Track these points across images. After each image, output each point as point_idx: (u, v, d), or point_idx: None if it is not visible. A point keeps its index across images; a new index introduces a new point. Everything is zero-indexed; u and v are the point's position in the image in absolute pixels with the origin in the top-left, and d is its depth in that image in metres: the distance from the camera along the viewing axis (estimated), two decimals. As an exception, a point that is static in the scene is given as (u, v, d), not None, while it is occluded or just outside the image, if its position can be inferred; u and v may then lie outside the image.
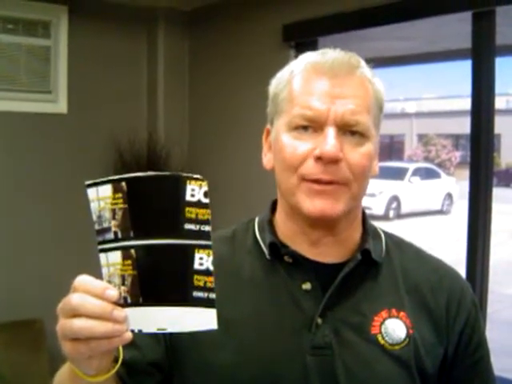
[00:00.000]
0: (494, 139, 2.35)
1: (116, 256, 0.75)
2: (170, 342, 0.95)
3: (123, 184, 0.73)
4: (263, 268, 0.98)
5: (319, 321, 0.93)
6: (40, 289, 3.14)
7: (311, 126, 0.93)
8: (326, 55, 0.96)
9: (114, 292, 0.74)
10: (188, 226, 0.73)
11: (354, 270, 0.97)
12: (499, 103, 2.34)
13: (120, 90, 3.46)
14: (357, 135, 0.93)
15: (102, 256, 0.76)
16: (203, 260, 0.73)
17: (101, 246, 0.76)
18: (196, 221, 0.72)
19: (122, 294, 0.74)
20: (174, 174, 0.73)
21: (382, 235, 1.05)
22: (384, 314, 0.96)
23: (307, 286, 0.95)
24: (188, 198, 0.72)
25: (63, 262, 3.24)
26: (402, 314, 0.97)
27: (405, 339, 0.95)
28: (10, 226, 3.12)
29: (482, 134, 2.31)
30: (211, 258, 0.73)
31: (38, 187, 3.21)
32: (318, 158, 0.91)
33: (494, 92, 2.31)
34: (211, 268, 0.73)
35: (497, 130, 2.37)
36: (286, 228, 1.01)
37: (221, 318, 0.74)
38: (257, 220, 1.06)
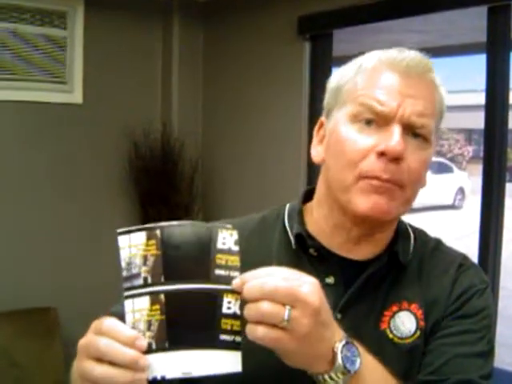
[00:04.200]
0: (508, 134, 2.35)
1: (144, 301, 0.76)
2: None
3: (157, 232, 0.77)
4: (289, 259, 0.97)
5: (338, 316, 0.93)
6: (54, 277, 3.18)
7: (376, 120, 0.91)
8: (402, 53, 0.94)
9: (144, 342, 0.74)
10: (218, 272, 0.77)
11: (378, 270, 0.96)
12: (513, 98, 2.34)
13: (135, 80, 3.48)
14: (420, 138, 0.92)
15: (128, 302, 0.77)
16: (231, 304, 0.77)
17: (127, 293, 0.77)
18: (226, 267, 0.77)
19: (147, 340, 0.75)
20: (207, 223, 0.79)
21: (412, 235, 1.03)
22: (394, 307, 0.96)
23: (331, 280, 0.96)
24: (219, 245, 0.77)
25: (78, 252, 3.28)
26: (413, 305, 0.96)
27: (415, 332, 0.94)
28: (24, 214, 3.15)
29: (495, 128, 2.31)
30: (239, 303, 0.77)
31: (52, 177, 3.24)
32: (381, 154, 0.89)
33: (508, 86, 2.30)
34: (238, 312, 0.76)
35: (511, 124, 2.36)
36: (323, 222, 0.99)
37: None
38: (287, 208, 1.05)
